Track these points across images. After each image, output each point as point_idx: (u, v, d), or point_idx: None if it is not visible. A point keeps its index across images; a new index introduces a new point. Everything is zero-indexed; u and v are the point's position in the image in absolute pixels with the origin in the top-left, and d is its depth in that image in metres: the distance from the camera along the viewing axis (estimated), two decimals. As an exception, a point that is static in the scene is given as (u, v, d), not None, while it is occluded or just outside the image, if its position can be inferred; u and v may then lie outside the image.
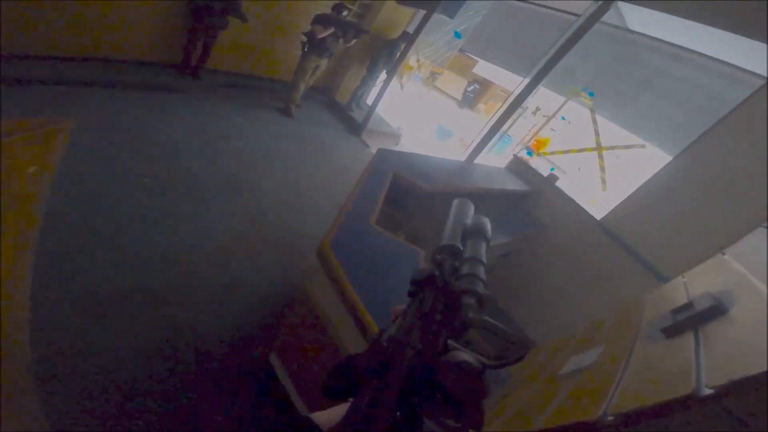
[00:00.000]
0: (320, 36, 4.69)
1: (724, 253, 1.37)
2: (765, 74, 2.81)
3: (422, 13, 5.33)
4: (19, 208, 1.90)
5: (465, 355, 0.43)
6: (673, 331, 1.01)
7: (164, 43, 4.56)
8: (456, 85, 12.91)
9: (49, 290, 1.83)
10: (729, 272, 1.20)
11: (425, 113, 8.14)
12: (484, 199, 3.18)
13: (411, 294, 0.59)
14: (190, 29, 4.45)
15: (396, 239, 1.76)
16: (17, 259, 1.80)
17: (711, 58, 3.62)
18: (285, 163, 3.98)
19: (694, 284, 1.35)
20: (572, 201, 3.65)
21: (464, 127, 8.86)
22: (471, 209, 0.78)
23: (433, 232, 2.41)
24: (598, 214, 3.53)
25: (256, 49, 5.39)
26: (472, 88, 12.36)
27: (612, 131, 4.28)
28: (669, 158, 3.40)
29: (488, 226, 0.69)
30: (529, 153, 4.51)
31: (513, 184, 3.62)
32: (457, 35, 6.39)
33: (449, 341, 0.47)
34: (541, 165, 4.57)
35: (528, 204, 3.80)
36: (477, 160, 4.40)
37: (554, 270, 3.60)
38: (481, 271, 0.57)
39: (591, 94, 4.10)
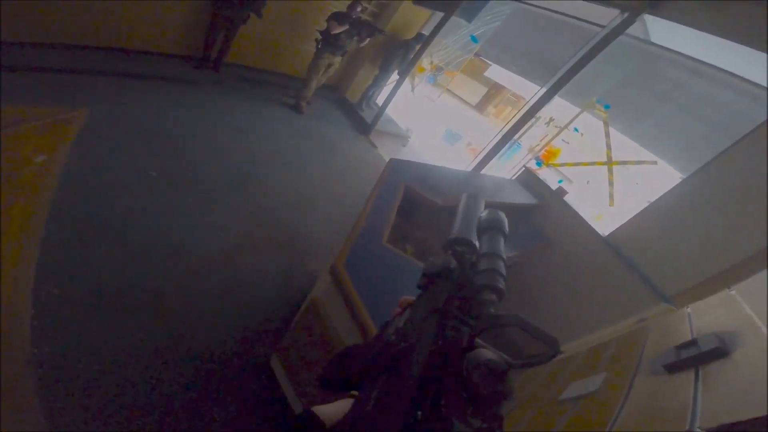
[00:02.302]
0: (335, 32, 4.70)
1: (731, 290, 1.38)
2: None
3: (439, 15, 5.32)
4: (25, 196, 1.93)
5: (491, 354, 0.42)
6: (675, 367, 1.02)
7: (185, 35, 4.61)
8: (468, 88, 12.87)
9: (51, 284, 1.83)
10: (736, 311, 1.20)
11: (435, 115, 8.13)
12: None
13: (422, 287, 0.59)
14: (211, 21, 4.48)
15: (408, 259, 1.77)
16: (21, 249, 1.83)
17: (732, 74, 3.56)
18: (292, 162, 4.00)
19: (701, 318, 1.36)
20: (578, 216, 3.64)
21: (473, 130, 8.84)
22: (482, 204, 0.75)
23: (440, 244, 2.42)
24: (605, 228, 3.52)
25: (273, 45, 5.45)
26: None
27: (624, 145, 4.26)
28: (680, 176, 3.37)
29: (505, 221, 0.66)
30: (539, 163, 4.50)
31: (522, 197, 3.61)
32: (474, 39, 6.35)
33: (477, 340, 0.45)
34: (549, 175, 4.56)
35: (535, 216, 3.79)
36: (485, 167, 4.41)
37: (556, 284, 3.60)
38: (501, 267, 0.54)
39: (606, 107, 4.07)
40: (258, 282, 2.48)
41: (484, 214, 0.68)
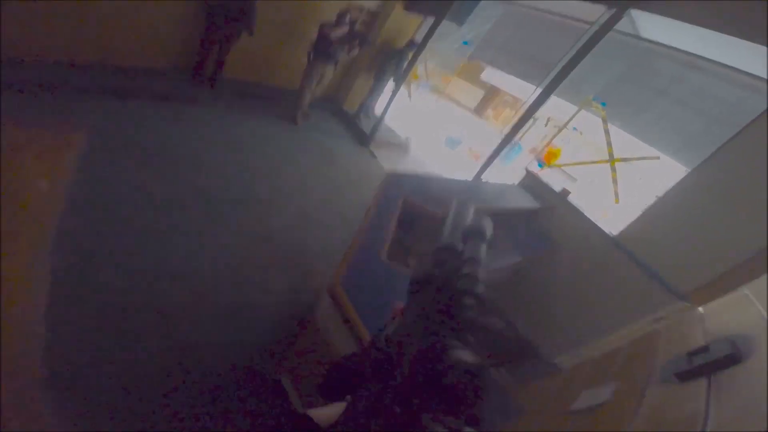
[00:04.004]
0: (333, 35, 4.73)
1: (744, 289, 1.34)
2: None
3: (430, 21, 5.34)
4: (32, 221, 1.95)
5: (466, 354, 0.43)
6: (687, 376, 0.99)
7: (180, 51, 4.66)
8: (466, 92, 12.90)
9: (63, 305, 1.86)
10: (749, 313, 1.17)
11: (434, 122, 8.13)
12: (497, 218, 3.15)
13: (411, 293, 0.60)
14: (203, 37, 4.53)
15: (408, 273, 1.75)
16: (31, 272, 1.85)
17: (728, 66, 3.53)
18: (294, 177, 4.00)
19: (714, 321, 1.32)
20: (585, 217, 3.60)
21: (473, 134, 8.83)
22: (471, 210, 0.80)
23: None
24: (611, 226, 3.47)
25: (268, 58, 5.48)
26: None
27: (626, 141, 4.22)
28: (684, 169, 3.32)
29: (489, 226, 0.70)
30: (540, 165, 4.47)
31: (525, 202, 3.58)
32: (466, 43, 6.38)
33: (449, 340, 0.47)
34: (553, 175, 4.53)
35: (541, 220, 3.75)
36: (487, 171, 4.38)
37: (568, 287, 3.55)
38: (481, 273, 0.59)
39: (603, 104, 4.04)
40: (264, 300, 2.49)
41: (469, 221, 0.70)
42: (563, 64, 3.66)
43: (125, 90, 3.99)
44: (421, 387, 0.41)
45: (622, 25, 3.64)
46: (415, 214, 2.27)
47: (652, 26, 3.79)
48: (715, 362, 0.95)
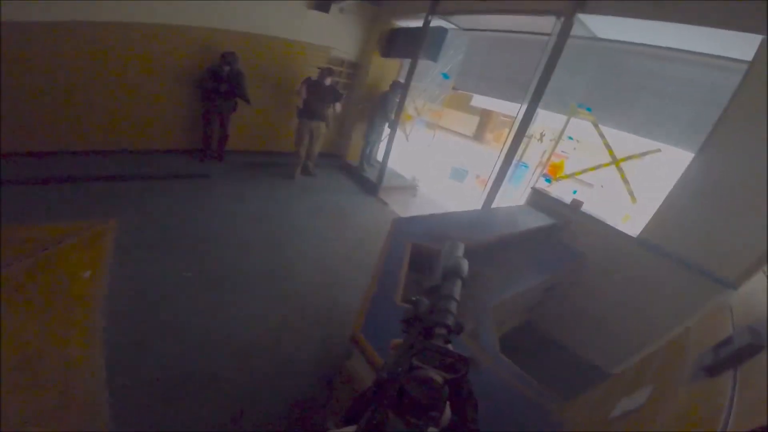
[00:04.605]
0: (299, 98, 5.14)
1: (766, 273, 1.31)
2: (747, 59, 2.82)
3: (407, 63, 5.65)
4: (81, 310, 2.09)
5: (431, 373, 0.52)
6: (714, 369, 0.97)
7: (186, 130, 5.13)
8: (461, 121, 13.22)
9: (121, 378, 2.04)
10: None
11: (437, 157, 8.31)
12: (511, 243, 3.16)
13: (403, 331, 0.71)
14: (203, 115, 4.94)
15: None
16: (88, 352, 1.97)
17: (689, 52, 3.64)
18: (312, 239, 4.15)
19: (742, 309, 1.29)
20: (603, 223, 3.56)
21: (478, 161, 8.93)
22: (459, 250, 0.88)
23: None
24: (637, 229, 3.40)
25: (268, 126, 5.95)
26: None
27: (627, 140, 4.21)
28: (690, 155, 3.29)
29: (464, 266, 0.80)
30: (548, 180, 4.48)
31: (537, 220, 3.58)
32: (445, 76, 6.65)
33: (413, 361, 0.55)
34: (565, 187, 4.51)
35: (560, 234, 3.72)
36: (499, 196, 4.40)
37: (604, 295, 3.46)
38: (453, 306, 0.69)
39: (588, 109, 4.11)
40: (301, 356, 2.61)
41: (449, 262, 0.81)
42: (537, 78, 3.79)
43: (141, 174, 4.39)
44: (396, 401, 0.50)
45: (579, 30, 3.82)
46: (424, 255, 2.33)
47: (607, 27, 3.97)
48: (738, 352, 0.94)
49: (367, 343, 1.50)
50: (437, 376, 0.52)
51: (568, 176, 4.38)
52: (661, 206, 3.22)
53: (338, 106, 5.53)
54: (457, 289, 0.73)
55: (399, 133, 6.23)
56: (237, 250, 3.60)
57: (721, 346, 1.03)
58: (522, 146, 4.35)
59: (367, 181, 6.17)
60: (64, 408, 1.56)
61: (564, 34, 3.57)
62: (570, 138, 4.52)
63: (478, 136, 13.28)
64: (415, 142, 7.45)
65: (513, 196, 5.17)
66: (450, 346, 0.69)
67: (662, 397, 1.06)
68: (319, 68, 5.28)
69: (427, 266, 2.32)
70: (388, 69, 6.57)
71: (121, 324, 2.37)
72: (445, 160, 8.46)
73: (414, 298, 0.71)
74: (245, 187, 4.93)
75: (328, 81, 5.19)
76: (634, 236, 3.35)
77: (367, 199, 5.78)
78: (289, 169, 5.62)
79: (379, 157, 6.47)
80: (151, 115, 4.78)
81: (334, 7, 5.62)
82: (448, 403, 0.56)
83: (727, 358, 0.95)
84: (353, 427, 0.56)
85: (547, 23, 3.86)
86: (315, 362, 2.60)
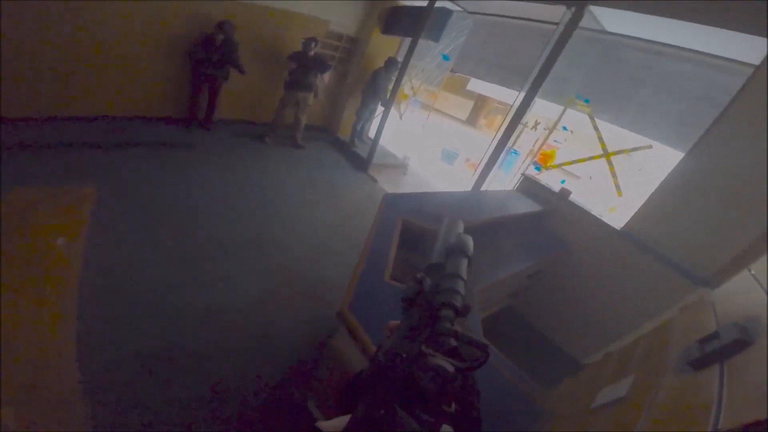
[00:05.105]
0: (289, 69, 5.07)
1: (750, 270, 1.34)
2: (747, 61, 2.86)
3: (408, 41, 5.50)
4: (55, 277, 2.02)
5: (440, 361, 0.48)
6: (699, 364, 0.99)
7: (171, 97, 4.91)
8: (456, 105, 13.11)
9: (101, 354, 1.98)
10: (757, 292, 1.17)
11: (429, 138, 8.25)
12: (499, 227, 3.18)
13: (403, 310, 0.66)
14: (192, 81, 4.75)
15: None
16: (60, 325, 1.91)
17: (692, 50, 3.65)
18: (300, 212, 4.09)
19: (725, 305, 1.32)
20: (589, 214, 3.61)
21: (469, 145, 8.92)
22: (459, 227, 0.84)
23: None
24: (621, 221, 3.47)
25: (256, 96, 5.72)
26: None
27: (619, 134, 4.26)
28: (679, 154, 3.34)
29: (470, 243, 0.74)
30: (538, 168, 4.50)
31: (525, 206, 3.60)
32: (446, 57, 6.54)
33: (423, 348, 0.51)
34: (554, 177, 4.55)
35: (547, 221, 3.77)
36: (490, 181, 4.42)
37: (585, 285, 3.55)
38: (460, 286, 0.63)
39: (586, 101, 4.11)
40: (286, 331, 2.59)
41: (453, 238, 0.76)
42: (539, 66, 3.75)
43: (125, 141, 4.21)
44: (402, 390, 0.46)
45: (587, 22, 3.77)
46: (415, 233, 2.31)
47: (615, 20, 3.94)
48: (724, 348, 0.96)
49: (355, 319, 1.48)
50: (449, 366, 0.48)
51: (557, 166, 4.42)
52: (646, 201, 3.28)
53: (326, 77, 5.42)
54: (463, 267, 0.68)
55: (392, 111, 6.11)
56: (221, 220, 3.49)
57: (706, 341, 1.05)
58: (517, 133, 4.34)
59: (357, 157, 6.10)
60: (37, 386, 1.54)
61: (572, 24, 3.51)
62: (564, 128, 4.53)
63: (472, 120, 13.24)
64: (409, 121, 7.36)
65: (503, 181, 5.20)
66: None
67: (645, 388, 1.09)
68: (303, 39, 5.10)
69: (420, 244, 2.31)
70: (387, 46, 6.38)
71: (98, 296, 2.29)
72: (437, 142, 8.42)
73: (419, 276, 0.66)
74: (232, 158, 4.78)
75: (311, 51, 5.07)
76: (618, 228, 3.41)
77: (357, 175, 5.71)
78: (261, 136, 5.53)
79: (371, 134, 6.36)
80: (136, 82, 4.55)
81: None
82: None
83: (714, 352, 0.97)
84: (345, 418, 0.53)
85: (556, 12, 3.79)
86: (299, 338, 2.57)
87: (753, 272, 1.34)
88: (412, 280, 0.68)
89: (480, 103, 13.05)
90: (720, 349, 0.96)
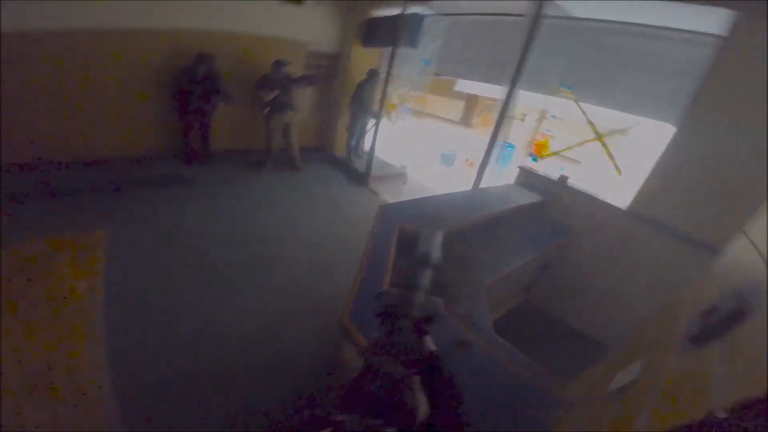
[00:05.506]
0: (268, 99, 5.04)
1: (748, 235, 1.30)
2: (720, 33, 2.85)
3: (389, 51, 5.53)
4: (84, 319, 2.09)
5: (391, 368, 0.50)
6: (699, 339, 0.96)
7: (166, 134, 5.02)
8: (447, 107, 13.18)
9: (127, 380, 2.05)
10: (754, 258, 1.13)
11: (425, 143, 8.29)
12: (500, 221, 3.17)
13: (380, 324, 0.70)
14: (180, 117, 4.79)
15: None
16: (94, 361, 1.97)
17: (663, 28, 3.66)
18: (304, 231, 4.15)
19: (729, 275, 1.29)
20: (592, 197, 3.58)
21: (466, 146, 8.92)
22: (436, 238, 0.91)
23: (453, 271, 2.40)
24: (625, 202, 3.43)
25: (247, 124, 5.82)
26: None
27: (610, 117, 4.24)
28: (670, 127, 3.31)
29: (434, 253, 0.81)
30: (534, 159, 4.49)
31: (525, 198, 3.59)
32: (426, 62, 6.59)
33: (369, 357, 0.54)
34: (553, 165, 4.53)
35: (550, 210, 3.74)
36: (485, 178, 4.40)
37: (599, 270, 3.50)
38: (420, 297, 0.69)
39: (569, 88, 4.12)
40: (299, 348, 2.63)
41: (420, 252, 0.84)
42: (517, 59, 3.76)
43: (127, 182, 4.33)
44: (356, 397, 0.49)
45: (554, 10, 3.80)
46: (413, 240, 2.30)
47: (583, 6, 3.97)
48: (724, 320, 0.93)
49: (355, 328, 1.50)
50: (396, 371, 0.50)
51: (553, 154, 4.39)
52: (648, 177, 3.24)
53: (308, 90, 5.47)
54: (425, 279, 0.73)
55: (384, 121, 6.15)
56: (229, 247, 3.59)
57: (707, 314, 1.02)
58: (506, 127, 4.34)
59: (355, 173, 6.13)
60: (80, 411, 1.61)
61: (538, 13, 3.53)
62: (553, 116, 4.53)
63: (465, 120, 13.26)
64: (402, 129, 7.41)
65: (503, 176, 5.18)
66: (428, 337, 0.68)
67: (653, 370, 1.06)
68: (271, 63, 5.12)
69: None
70: (369, 58, 6.47)
71: (119, 329, 2.35)
72: (433, 146, 8.45)
73: (379, 292, 0.70)
74: (233, 187, 4.88)
75: (280, 72, 5.06)
76: (624, 208, 3.37)
77: (357, 190, 5.75)
78: (260, 162, 5.61)
79: (367, 147, 6.41)
80: (125, 122, 4.67)
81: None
82: (425, 398, 0.54)
83: (713, 326, 0.94)
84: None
85: (523, 5, 3.82)
86: (312, 353, 2.61)
87: (751, 237, 1.30)
88: (377, 297, 0.70)
89: (471, 102, 13.08)
90: (719, 322, 0.93)
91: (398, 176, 6.53)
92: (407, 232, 2.33)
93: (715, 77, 2.81)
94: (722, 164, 2.83)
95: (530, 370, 1.76)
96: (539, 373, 1.74)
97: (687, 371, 0.91)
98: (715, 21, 2.88)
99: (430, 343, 0.71)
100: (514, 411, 1.42)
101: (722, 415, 0.63)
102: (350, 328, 1.52)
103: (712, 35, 3.12)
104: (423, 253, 0.79)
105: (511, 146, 5.67)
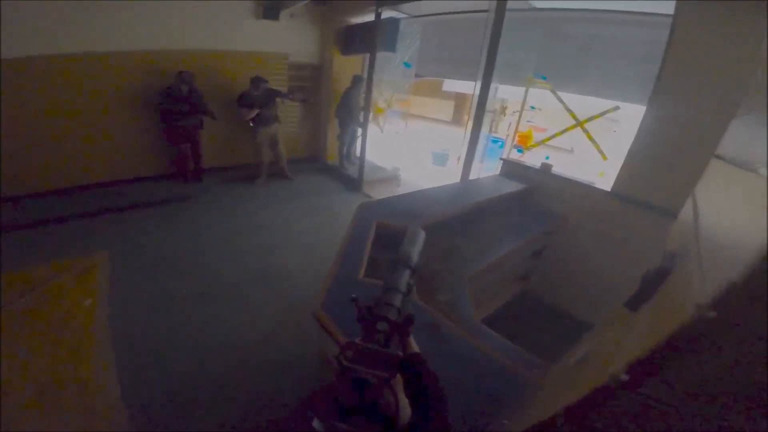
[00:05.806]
0: (249, 117, 5.13)
1: (695, 196, 1.30)
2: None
3: (368, 57, 5.63)
4: (89, 335, 2.17)
5: (362, 372, 0.49)
6: (632, 304, 1.00)
7: (155, 154, 5.14)
8: (437, 108, 13.26)
9: (140, 392, 2.24)
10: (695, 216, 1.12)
11: (417, 145, 8.34)
12: (483, 212, 3.22)
13: (361, 329, 0.66)
14: (167, 137, 4.88)
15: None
16: (102, 374, 2.05)
17: (625, 12, 3.73)
18: (303, 241, 4.22)
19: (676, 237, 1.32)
20: (576, 182, 3.62)
21: (458, 144, 8.96)
22: (419, 237, 0.85)
23: (436, 262, 2.46)
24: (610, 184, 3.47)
25: (236, 140, 5.93)
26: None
27: (592, 104, 4.29)
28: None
29: (413, 254, 0.76)
30: (520, 150, 4.55)
31: (507, 187, 3.63)
32: (407, 65, 6.66)
33: (342, 362, 0.52)
34: (541, 155, 4.57)
35: (535, 198, 3.78)
36: (474, 175, 4.45)
37: (587, 252, 3.53)
38: (396, 299, 0.66)
39: (543, 78, 4.18)
40: (303, 355, 2.69)
41: (400, 251, 0.79)
42: (486, 54, 3.80)
43: (122, 205, 4.46)
44: (327, 400, 0.49)
45: (519, 4, 3.87)
46: (390, 234, 2.37)
47: None
48: (650, 281, 0.96)
49: (329, 319, 1.55)
50: (370, 376, 0.49)
51: (537, 144, 4.45)
52: (626, 157, 3.29)
53: (290, 99, 5.55)
54: (402, 280, 0.70)
55: (373, 126, 6.23)
56: (227, 262, 3.68)
57: (643, 278, 1.05)
58: (489, 122, 4.41)
59: (349, 179, 6.20)
60: (91, 428, 1.65)
61: (501, 7, 3.59)
62: (532, 107, 4.59)
63: (457, 119, 13.30)
64: (392, 133, 7.48)
65: (491, 171, 5.22)
66: (411, 338, 0.70)
67: (601, 340, 1.10)
68: (251, 79, 5.17)
69: (392, 244, 2.37)
70: (350, 66, 6.57)
71: (126, 344, 2.51)
72: (426, 147, 8.51)
73: (352, 296, 0.66)
74: (228, 203, 4.98)
75: (260, 88, 5.14)
76: (608, 190, 3.41)
77: (351, 196, 5.79)
78: (251, 177, 5.72)
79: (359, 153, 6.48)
80: (116, 145, 4.79)
81: (284, 14, 5.62)
82: (407, 400, 0.56)
83: (642, 288, 0.98)
84: None
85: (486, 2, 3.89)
86: (315, 360, 2.61)
87: (697, 198, 1.31)
88: (352, 300, 0.68)
89: (460, 101, 13.12)
90: (646, 284, 0.96)
91: (391, 179, 6.57)
92: (384, 227, 2.39)
93: (669, 57, 2.87)
94: (684, 138, 2.89)
95: (513, 357, 1.76)
96: (524, 360, 1.76)
97: (619, 337, 0.96)
98: (671, 2, 2.94)
99: (413, 345, 0.70)
100: (493, 396, 1.43)
101: (624, 377, 0.63)
102: (323, 318, 1.57)
103: (669, 15, 3.18)
104: (403, 252, 0.76)
105: (495, 141, 5.74)
